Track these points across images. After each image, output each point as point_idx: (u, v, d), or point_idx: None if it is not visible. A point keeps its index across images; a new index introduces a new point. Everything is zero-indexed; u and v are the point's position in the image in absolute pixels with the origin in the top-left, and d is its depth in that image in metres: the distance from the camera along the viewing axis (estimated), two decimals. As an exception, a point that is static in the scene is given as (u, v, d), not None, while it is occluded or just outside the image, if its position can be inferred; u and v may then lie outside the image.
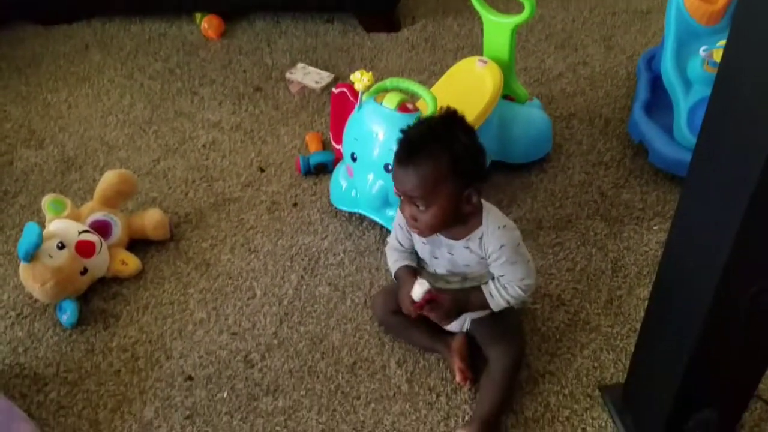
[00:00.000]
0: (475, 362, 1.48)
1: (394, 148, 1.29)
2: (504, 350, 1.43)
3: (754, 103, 0.85)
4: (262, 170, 2.03)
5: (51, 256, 1.61)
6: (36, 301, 1.69)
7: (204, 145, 2.13)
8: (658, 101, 1.91)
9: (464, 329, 1.50)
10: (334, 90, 1.83)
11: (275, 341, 1.59)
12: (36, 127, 2.25)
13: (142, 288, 1.73)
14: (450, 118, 1.30)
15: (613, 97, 2.17)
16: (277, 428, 1.44)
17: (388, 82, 1.63)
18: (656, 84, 1.96)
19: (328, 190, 1.87)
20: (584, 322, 1.58)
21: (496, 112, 1.80)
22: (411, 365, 1.53)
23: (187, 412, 1.48)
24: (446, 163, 1.24)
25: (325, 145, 2.07)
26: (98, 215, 1.76)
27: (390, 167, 1.32)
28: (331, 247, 1.79)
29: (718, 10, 1.84)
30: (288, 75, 2.36)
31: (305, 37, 2.56)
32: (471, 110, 1.73)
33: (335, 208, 1.86)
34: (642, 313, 1.33)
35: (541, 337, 1.55)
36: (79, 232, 1.68)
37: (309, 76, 2.34)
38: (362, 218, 1.84)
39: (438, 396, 1.47)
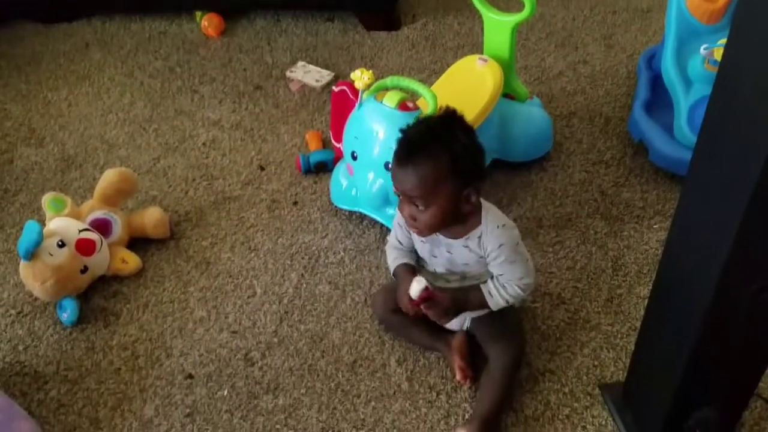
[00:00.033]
0: (475, 361, 1.48)
1: (395, 146, 1.29)
2: (504, 349, 1.43)
3: (754, 102, 0.85)
4: (263, 169, 2.03)
5: (51, 255, 1.61)
6: (36, 299, 1.70)
7: (204, 144, 2.13)
8: (659, 100, 1.91)
9: (464, 328, 1.50)
10: (335, 88, 1.83)
11: (275, 339, 1.59)
12: (36, 126, 2.25)
13: (142, 286, 1.73)
14: (449, 118, 1.30)
15: (614, 96, 2.17)
16: (278, 426, 1.44)
17: (389, 80, 1.63)
18: (656, 83, 1.95)
19: (329, 189, 1.87)
20: (584, 320, 1.58)
21: (496, 110, 1.80)
22: (411, 363, 1.53)
23: (188, 410, 1.48)
24: (445, 162, 1.24)
25: (326, 144, 2.07)
26: (98, 213, 1.76)
27: (390, 166, 1.32)
28: (331, 245, 1.79)
29: (718, 9, 1.84)
30: (288, 73, 2.36)
31: (305, 35, 2.56)
32: (471, 109, 1.73)
33: (335, 206, 1.86)
34: (642, 312, 1.33)
35: (541, 336, 1.55)
36: (80, 231, 1.68)
37: (309, 75, 2.34)
38: (362, 217, 1.84)
39: (438, 394, 1.47)
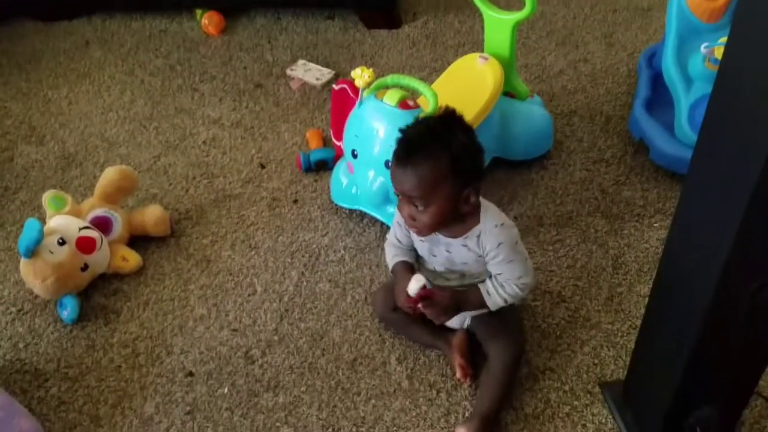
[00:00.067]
0: (475, 359, 1.48)
1: (394, 145, 1.29)
2: (504, 346, 1.43)
3: (755, 101, 0.85)
4: (263, 167, 2.03)
5: (52, 252, 1.61)
6: (36, 297, 1.70)
7: (204, 142, 2.13)
8: (659, 98, 1.91)
9: (464, 326, 1.50)
10: (335, 87, 1.82)
11: (276, 337, 1.59)
12: (36, 124, 2.25)
13: (142, 284, 1.73)
14: (449, 118, 1.30)
15: (614, 95, 2.16)
16: (278, 424, 1.44)
17: (389, 78, 1.63)
18: (657, 81, 1.95)
19: (329, 187, 1.87)
20: (584, 318, 1.58)
21: (496, 108, 1.80)
22: (411, 362, 1.53)
23: (188, 408, 1.48)
24: (445, 163, 1.24)
25: (326, 142, 2.06)
26: (99, 211, 1.76)
27: (389, 165, 1.32)
28: (331, 243, 1.79)
29: (719, 7, 1.84)
30: (288, 71, 2.36)
31: (306, 33, 2.56)
32: (472, 107, 1.73)
33: (336, 204, 1.86)
34: (642, 310, 1.33)
35: (541, 334, 1.55)
36: (80, 228, 1.68)
37: (309, 73, 2.34)
38: (363, 215, 1.84)
39: (438, 392, 1.47)
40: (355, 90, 1.68)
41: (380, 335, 1.58)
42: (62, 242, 1.63)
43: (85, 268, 1.66)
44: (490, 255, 1.34)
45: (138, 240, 1.81)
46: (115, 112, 2.28)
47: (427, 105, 1.57)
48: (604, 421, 1.40)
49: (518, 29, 1.82)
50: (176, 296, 1.70)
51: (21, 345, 1.63)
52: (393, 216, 1.51)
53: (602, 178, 1.90)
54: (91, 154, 2.12)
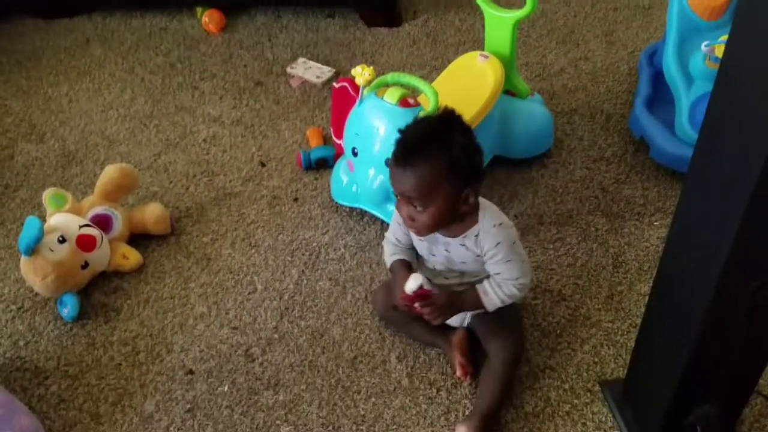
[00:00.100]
0: (475, 357, 1.48)
1: (394, 146, 1.28)
2: (503, 344, 1.43)
3: (755, 99, 0.85)
4: (263, 165, 2.03)
5: (52, 250, 1.61)
6: (37, 294, 1.70)
7: (205, 140, 2.13)
8: (660, 97, 1.91)
9: (465, 324, 1.50)
10: (335, 85, 1.82)
11: (276, 335, 1.59)
12: (37, 121, 2.25)
13: (142, 282, 1.73)
14: (447, 118, 1.29)
15: (615, 93, 2.16)
16: (278, 422, 1.44)
17: (389, 76, 1.63)
18: (658, 79, 1.95)
19: (329, 185, 1.87)
20: (585, 317, 1.58)
21: (497, 107, 1.80)
22: (411, 360, 1.53)
23: (188, 406, 1.48)
24: (444, 164, 1.23)
25: (326, 140, 2.06)
26: (99, 209, 1.76)
27: (388, 164, 1.32)
28: (331, 242, 1.79)
29: (720, 6, 1.83)
30: (289, 69, 2.36)
31: (306, 31, 2.56)
32: (472, 105, 1.73)
33: (336, 203, 1.86)
34: (642, 309, 1.33)
35: (541, 332, 1.55)
36: (80, 226, 1.68)
37: (310, 71, 2.34)
38: (363, 213, 1.84)
39: (438, 390, 1.47)
40: (356, 88, 1.68)
41: (380, 333, 1.58)
42: (62, 240, 1.63)
43: (85, 266, 1.66)
44: (488, 254, 1.33)
45: (138, 238, 1.81)
46: (115, 110, 2.28)
47: (428, 103, 1.57)
48: (604, 419, 1.40)
49: (519, 27, 1.82)
50: (176, 294, 1.70)
51: (21, 343, 1.63)
52: (393, 214, 1.51)
53: (603, 177, 1.90)
54: (92, 152, 2.12)
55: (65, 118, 2.26)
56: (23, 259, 1.63)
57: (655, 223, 1.77)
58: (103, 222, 1.74)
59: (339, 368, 1.52)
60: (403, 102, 1.60)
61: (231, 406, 1.47)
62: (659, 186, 1.86)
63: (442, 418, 1.43)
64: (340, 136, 1.79)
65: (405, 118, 1.54)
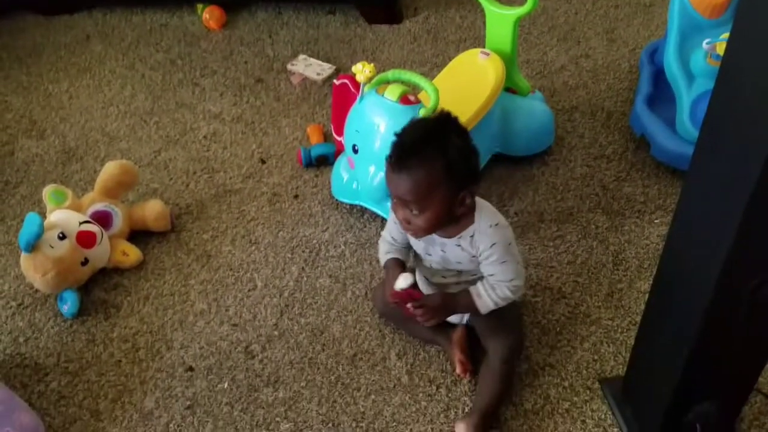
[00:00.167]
0: (475, 354, 1.48)
1: (390, 148, 1.28)
2: (502, 341, 1.43)
3: (756, 97, 0.85)
4: (263, 162, 2.03)
5: (52, 247, 1.61)
6: (37, 291, 1.70)
7: (205, 137, 2.13)
8: (661, 94, 1.91)
9: (464, 321, 1.50)
10: (336, 82, 1.82)
11: (276, 332, 1.59)
12: (37, 118, 2.25)
13: (142, 279, 1.73)
14: (443, 121, 1.29)
15: (616, 90, 2.16)
16: (278, 419, 1.44)
17: (390, 73, 1.63)
18: (659, 77, 1.95)
19: (329, 182, 1.87)
20: (585, 314, 1.58)
21: (498, 104, 1.80)
22: (411, 357, 1.53)
23: (188, 403, 1.48)
24: (440, 167, 1.22)
25: (327, 137, 2.06)
26: (99, 206, 1.76)
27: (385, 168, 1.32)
28: (331, 239, 1.79)
29: (721, 3, 1.83)
30: (289, 66, 2.36)
31: (307, 28, 2.55)
32: (473, 103, 1.73)
33: (336, 200, 1.86)
34: (642, 306, 1.33)
35: (541, 330, 1.55)
36: (80, 223, 1.68)
37: (310, 68, 2.33)
38: (363, 210, 1.84)
39: (438, 388, 1.47)
40: (356, 85, 1.68)
41: (380, 331, 1.58)
42: (62, 237, 1.63)
43: (85, 262, 1.66)
44: (484, 255, 1.33)
45: (138, 235, 1.81)
46: (115, 106, 2.27)
47: (428, 100, 1.57)
48: (603, 417, 1.41)
49: (520, 25, 1.81)
50: (176, 291, 1.70)
51: (21, 339, 1.63)
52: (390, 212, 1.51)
53: (603, 174, 1.89)
54: (92, 149, 2.12)
55: (65, 115, 2.25)
56: (23, 255, 1.63)
57: (656, 221, 1.77)
58: (103, 218, 1.74)
59: (339, 365, 1.52)
60: (404, 99, 1.60)
61: (231, 403, 1.47)
62: (660, 184, 1.86)
63: (442, 415, 1.43)
64: (340, 133, 1.79)
65: (405, 115, 1.54)
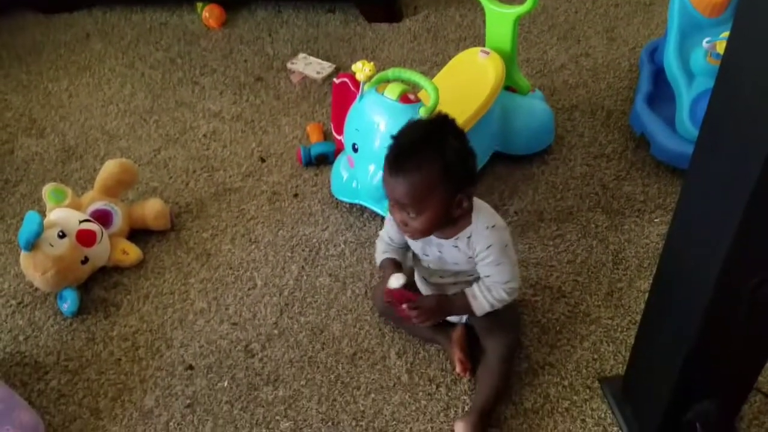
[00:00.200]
0: (474, 353, 1.48)
1: (387, 151, 1.27)
2: (500, 340, 1.43)
3: (756, 96, 0.85)
4: (263, 160, 2.03)
5: (52, 245, 1.61)
6: (37, 289, 1.70)
7: (205, 135, 2.13)
8: (661, 93, 1.91)
9: (463, 320, 1.50)
10: (336, 80, 1.82)
11: (276, 331, 1.59)
12: (37, 116, 2.25)
13: (142, 277, 1.73)
14: (440, 123, 1.28)
15: (616, 89, 2.16)
16: (277, 418, 1.44)
17: (390, 72, 1.63)
18: (659, 76, 1.95)
19: (329, 181, 1.87)
20: (584, 314, 1.58)
21: (498, 103, 1.80)
22: (411, 356, 1.53)
23: (188, 401, 1.48)
24: (437, 170, 1.22)
25: (326, 136, 2.06)
26: (99, 204, 1.76)
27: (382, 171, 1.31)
28: (331, 237, 1.79)
29: (721, 2, 1.83)
30: (289, 65, 2.36)
31: (306, 27, 2.55)
32: (473, 101, 1.73)
33: (336, 198, 1.86)
34: (642, 306, 1.33)
35: (541, 329, 1.55)
36: (80, 221, 1.68)
37: (310, 66, 2.33)
38: (363, 209, 1.84)
39: (438, 387, 1.47)
40: (356, 84, 1.68)
41: (380, 329, 1.58)
42: (62, 235, 1.63)
43: (85, 261, 1.66)
44: (480, 256, 1.33)
45: (138, 233, 1.81)
46: (115, 105, 2.27)
47: (428, 99, 1.57)
48: (603, 416, 1.41)
49: (520, 23, 1.81)
50: (176, 290, 1.70)
51: (21, 338, 1.63)
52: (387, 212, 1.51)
53: (603, 173, 1.89)
54: (92, 147, 2.12)
55: (65, 113, 2.25)
56: (23, 254, 1.62)
57: (656, 220, 1.77)
58: (103, 217, 1.74)
59: (339, 364, 1.52)
60: (404, 98, 1.59)
61: (231, 402, 1.47)
62: (659, 183, 1.86)
63: (442, 414, 1.43)
64: (340, 131, 1.79)
65: (405, 114, 1.54)
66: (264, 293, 1.68)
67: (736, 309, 1.02)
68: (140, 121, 2.20)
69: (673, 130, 1.80)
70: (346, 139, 1.72)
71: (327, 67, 2.32)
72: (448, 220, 1.30)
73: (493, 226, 1.32)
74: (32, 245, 1.60)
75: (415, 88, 1.68)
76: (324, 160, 1.98)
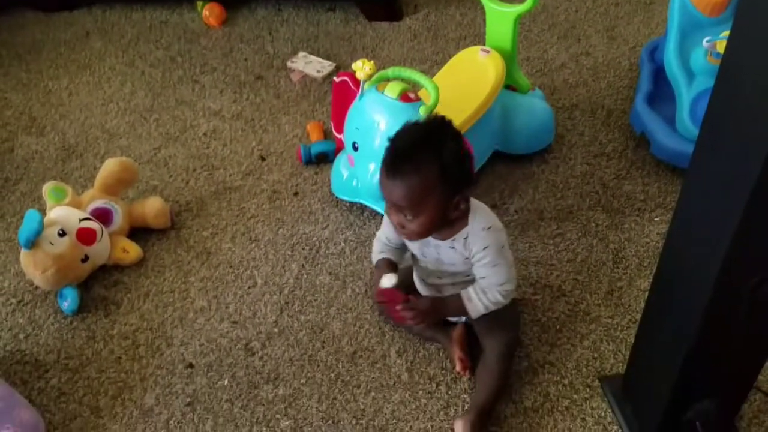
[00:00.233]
0: (474, 352, 1.48)
1: (384, 153, 1.27)
2: (499, 339, 1.43)
3: (756, 95, 0.85)
4: (263, 159, 2.03)
5: (52, 244, 1.61)
6: (37, 288, 1.70)
7: (205, 134, 2.13)
8: (661, 92, 1.91)
9: (463, 319, 1.50)
10: (336, 79, 1.82)
11: (276, 330, 1.60)
12: (37, 115, 2.25)
13: (143, 276, 1.73)
14: (437, 125, 1.28)
15: (616, 88, 2.16)
16: (278, 416, 1.44)
17: (390, 71, 1.63)
18: (659, 75, 1.95)
19: (329, 180, 1.87)
20: (584, 312, 1.58)
21: (498, 102, 1.80)
22: (411, 355, 1.53)
23: (188, 400, 1.48)
24: (434, 174, 1.21)
25: (327, 135, 2.06)
26: (99, 203, 1.76)
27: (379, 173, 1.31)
28: (331, 236, 1.79)
29: (721, 1, 1.83)
30: (289, 64, 2.36)
31: (307, 25, 2.55)
32: (473, 100, 1.73)
33: (336, 197, 1.86)
34: (642, 304, 1.33)
35: (541, 328, 1.56)
36: (80, 220, 1.68)
37: (310, 65, 2.33)
38: (363, 208, 1.84)
39: (438, 385, 1.47)
40: (356, 82, 1.68)
41: (380, 328, 1.58)
42: (62, 233, 1.63)
43: (85, 259, 1.66)
44: (476, 257, 1.33)
45: (138, 232, 1.81)
46: (115, 103, 2.27)
47: (429, 98, 1.57)
48: (603, 414, 1.41)
49: (520, 22, 1.81)
50: (176, 288, 1.70)
51: (21, 336, 1.63)
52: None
53: (603, 172, 1.89)
54: (92, 146, 2.12)
55: (65, 112, 2.25)
56: (23, 252, 1.63)
57: (656, 219, 1.77)
58: (103, 215, 1.74)
59: (339, 362, 1.52)
60: (404, 97, 1.60)
61: (231, 400, 1.48)
62: (660, 182, 1.86)
63: (442, 413, 1.43)
64: (340, 130, 1.79)
65: (406, 112, 1.54)
66: (264, 292, 1.68)
67: (736, 308, 1.02)
68: (140, 120, 2.20)
69: (673, 129, 1.80)
70: (346, 137, 1.72)
71: (327, 66, 2.32)
72: (445, 221, 1.30)
73: (489, 228, 1.32)
74: (32, 243, 1.60)
75: (415, 86, 1.68)
76: (324, 159, 1.98)
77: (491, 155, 1.88)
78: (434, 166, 1.21)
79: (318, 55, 2.38)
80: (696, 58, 1.79)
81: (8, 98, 2.32)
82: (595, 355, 1.50)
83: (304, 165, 1.99)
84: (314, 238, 1.79)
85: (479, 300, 1.36)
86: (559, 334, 1.54)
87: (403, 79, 1.63)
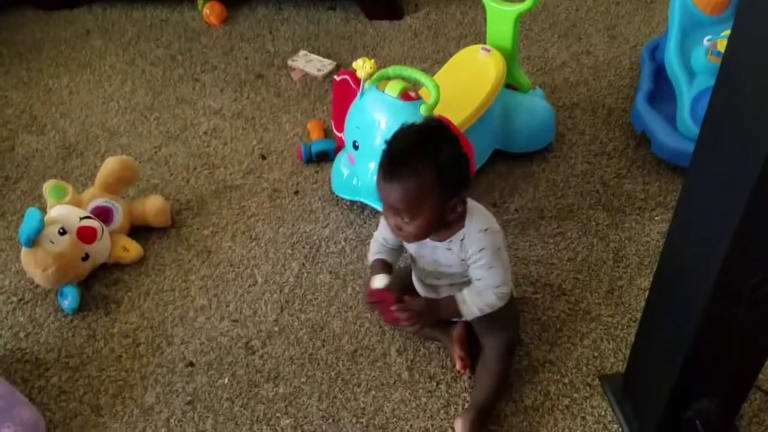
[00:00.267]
0: (475, 350, 1.48)
1: (381, 156, 1.27)
2: (498, 339, 1.43)
3: (757, 95, 0.85)
4: (264, 158, 2.03)
5: (52, 242, 1.61)
6: (37, 286, 1.70)
7: (205, 132, 2.13)
8: (662, 91, 1.91)
9: (463, 318, 1.50)
10: (336, 77, 1.82)
11: (276, 328, 1.60)
12: (37, 113, 2.25)
13: (143, 274, 1.73)
14: (435, 128, 1.28)
15: (616, 87, 2.16)
16: (278, 415, 1.45)
17: (391, 70, 1.62)
18: (660, 74, 1.95)
19: (330, 178, 1.87)
20: (585, 311, 1.58)
21: (498, 101, 1.80)
22: (411, 353, 1.53)
23: (188, 398, 1.48)
24: (431, 176, 1.21)
25: (327, 133, 2.06)
26: (99, 201, 1.76)
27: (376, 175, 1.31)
28: (332, 235, 1.79)
29: (722, 0, 1.83)
30: (290, 62, 2.36)
31: (307, 24, 2.55)
32: (473, 99, 1.73)
33: (336, 196, 1.86)
34: (642, 303, 1.33)
35: (541, 327, 1.56)
36: (81, 218, 1.68)
37: (311, 64, 2.33)
38: (363, 206, 1.84)
39: (438, 384, 1.47)
40: (357, 81, 1.68)
41: (380, 327, 1.58)
42: (63, 232, 1.63)
43: (85, 257, 1.66)
44: (472, 259, 1.33)
45: (139, 230, 1.81)
46: (115, 101, 2.27)
47: (429, 97, 1.57)
48: (603, 413, 1.41)
49: (521, 21, 1.81)
50: (177, 287, 1.70)
51: (22, 334, 1.63)
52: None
53: (604, 171, 1.89)
54: (92, 144, 2.12)
55: (66, 110, 2.25)
56: (24, 250, 1.63)
57: (656, 218, 1.77)
58: (103, 214, 1.74)
59: (339, 361, 1.53)
60: (405, 95, 1.59)
61: (231, 399, 1.48)
62: (660, 181, 1.86)
63: (442, 411, 1.43)
64: (341, 129, 1.79)
65: (406, 111, 1.54)
66: (264, 290, 1.68)
67: (736, 307, 1.02)
68: (141, 118, 2.20)
69: (673, 128, 1.80)
70: (347, 136, 1.72)
71: (328, 65, 2.32)
72: (442, 224, 1.30)
73: (486, 230, 1.32)
74: (33, 242, 1.60)
75: (415, 85, 1.68)
76: (324, 158, 1.98)
77: (492, 154, 1.88)
78: (431, 169, 1.21)
79: (318, 54, 2.38)
80: (697, 57, 1.79)
81: (9, 97, 2.32)
82: (596, 354, 1.50)
83: (304, 163, 1.99)
84: (315, 237, 1.79)
85: (473, 302, 1.36)
86: (559, 333, 1.54)
87: (403, 78, 1.63)
